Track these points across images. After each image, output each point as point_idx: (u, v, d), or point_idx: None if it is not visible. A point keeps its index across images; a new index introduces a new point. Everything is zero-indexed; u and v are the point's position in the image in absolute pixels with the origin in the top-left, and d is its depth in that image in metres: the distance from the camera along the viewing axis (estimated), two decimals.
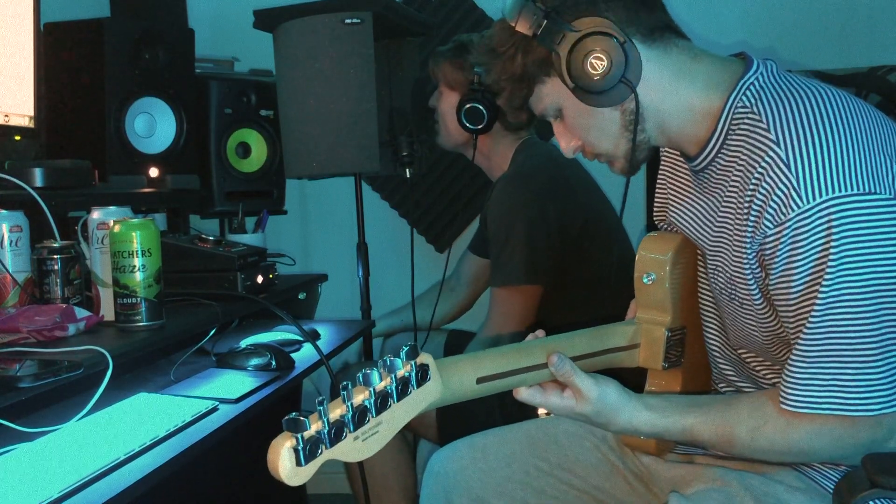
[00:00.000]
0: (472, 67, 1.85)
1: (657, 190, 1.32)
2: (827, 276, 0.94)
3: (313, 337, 1.71)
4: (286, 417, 0.76)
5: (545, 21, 1.02)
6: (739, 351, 1.16)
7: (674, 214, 1.22)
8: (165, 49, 1.94)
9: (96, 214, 1.42)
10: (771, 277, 0.99)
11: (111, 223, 1.36)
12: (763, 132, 1.00)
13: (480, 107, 1.84)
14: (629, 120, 1.07)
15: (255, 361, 1.48)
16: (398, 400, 0.85)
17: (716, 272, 1.11)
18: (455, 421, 1.78)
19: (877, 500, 0.93)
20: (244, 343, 1.58)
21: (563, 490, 1.29)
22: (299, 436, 0.76)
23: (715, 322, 1.19)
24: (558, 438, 1.32)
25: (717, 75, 1.08)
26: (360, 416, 0.81)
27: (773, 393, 1.04)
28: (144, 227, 1.34)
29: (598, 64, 1.02)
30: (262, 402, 1.33)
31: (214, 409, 1.25)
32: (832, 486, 1.06)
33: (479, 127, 1.86)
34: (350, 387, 0.80)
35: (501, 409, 1.75)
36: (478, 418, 1.46)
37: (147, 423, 1.16)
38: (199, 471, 1.79)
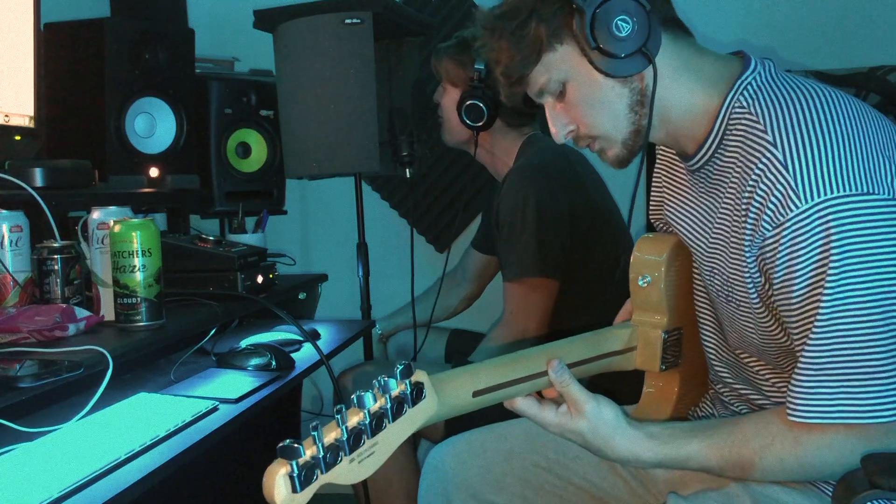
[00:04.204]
0: (474, 64, 1.84)
1: (653, 189, 1.31)
2: (829, 279, 0.93)
3: (313, 337, 1.71)
4: (280, 444, 0.76)
5: None
6: (737, 351, 1.16)
7: (669, 214, 1.21)
8: (165, 49, 1.94)
9: (96, 214, 1.42)
10: (774, 284, 0.98)
11: (111, 223, 1.36)
12: (760, 133, 1.00)
13: (480, 104, 1.84)
14: (636, 101, 1.06)
15: (255, 361, 1.49)
16: (393, 420, 0.85)
17: (712, 274, 1.10)
18: (462, 420, 1.77)
19: (876, 501, 0.92)
20: (244, 343, 1.58)
21: (562, 487, 1.29)
22: (294, 462, 0.76)
23: (711, 323, 1.19)
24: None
25: (717, 73, 1.07)
26: (355, 439, 0.80)
27: (778, 410, 1.02)
28: (144, 227, 1.35)
29: (623, 26, 1.01)
30: (262, 402, 1.34)
31: (214, 409, 1.25)
32: (831, 488, 1.05)
33: (480, 124, 1.86)
34: (344, 409, 0.80)
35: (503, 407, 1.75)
36: (486, 417, 1.45)
37: (147, 423, 1.16)
38: (199, 471, 1.79)
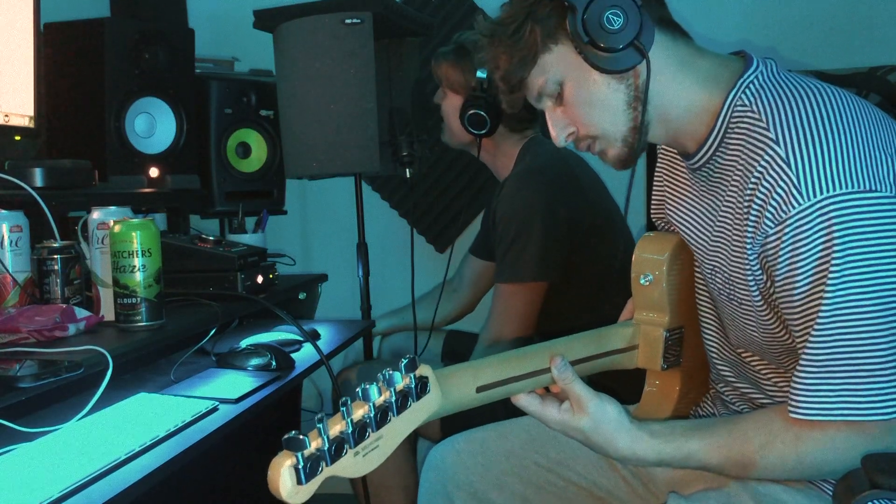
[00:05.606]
0: (474, 71, 1.84)
1: (654, 188, 1.31)
2: (831, 276, 0.93)
3: (313, 337, 1.71)
4: (286, 436, 0.76)
5: None
6: (739, 350, 1.16)
7: (671, 213, 1.21)
8: (165, 49, 1.94)
9: (96, 214, 1.42)
10: (776, 282, 0.98)
11: (111, 223, 1.36)
12: (762, 131, 1.00)
13: (483, 113, 1.84)
14: (633, 97, 1.06)
15: (255, 361, 1.49)
16: (398, 413, 0.85)
17: (713, 272, 1.10)
18: (457, 418, 1.78)
19: (877, 501, 0.92)
20: (244, 343, 1.58)
21: (562, 486, 1.29)
22: (299, 454, 0.76)
23: (713, 322, 1.19)
24: (557, 434, 1.31)
25: (718, 72, 1.07)
26: (360, 432, 0.81)
27: (779, 408, 1.02)
28: (144, 227, 1.34)
29: (614, 20, 1.02)
30: (262, 402, 1.33)
31: (214, 409, 1.25)
32: (831, 488, 1.05)
33: (483, 131, 1.86)
34: (349, 402, 0.80)
35: (504, 406, 1.75)
36: (481, 415, 1.46)
37: (147, 423, 1.16)
38: (199, 471, 1.79)
